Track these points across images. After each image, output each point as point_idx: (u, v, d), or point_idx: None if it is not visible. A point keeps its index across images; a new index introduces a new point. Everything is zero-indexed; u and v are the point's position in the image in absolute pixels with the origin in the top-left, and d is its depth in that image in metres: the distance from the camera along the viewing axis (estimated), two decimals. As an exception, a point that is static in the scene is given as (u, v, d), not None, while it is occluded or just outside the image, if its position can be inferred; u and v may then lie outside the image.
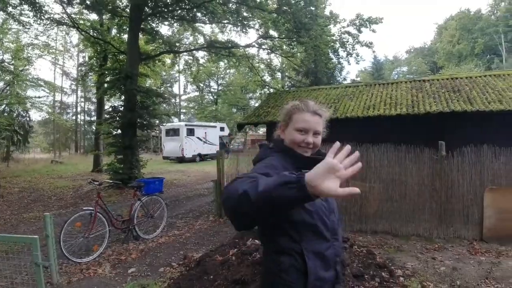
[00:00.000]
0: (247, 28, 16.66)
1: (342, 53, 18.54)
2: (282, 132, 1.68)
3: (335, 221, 1.64)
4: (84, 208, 6.12)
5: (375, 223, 7.00)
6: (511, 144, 6.46)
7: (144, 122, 14.13)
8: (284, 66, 27.13)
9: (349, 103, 9.69)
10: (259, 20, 16.39)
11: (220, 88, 47.74)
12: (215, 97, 47.61)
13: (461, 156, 6.54)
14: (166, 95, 21.16)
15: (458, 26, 51.01)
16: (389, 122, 8.59)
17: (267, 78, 23.86)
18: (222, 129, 29.97)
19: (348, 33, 16.78)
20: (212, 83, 48.32)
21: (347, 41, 16.98)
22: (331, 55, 18.90)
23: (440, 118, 8.25)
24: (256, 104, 32.97)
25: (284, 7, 13.93)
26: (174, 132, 25.50)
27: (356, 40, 16.73)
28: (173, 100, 48.92)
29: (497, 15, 48.57)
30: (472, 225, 6.51)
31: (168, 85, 48.59)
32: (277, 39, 17.55)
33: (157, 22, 16.40)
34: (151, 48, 17.76)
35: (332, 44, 17.46)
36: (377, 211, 6.99)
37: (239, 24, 16.28)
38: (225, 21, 16.66)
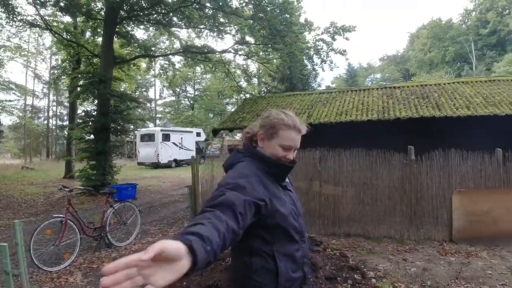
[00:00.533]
0: (223, 33, 16.74)
1: (316, 60, 18.85)
2: (261, 141, 1.67)
3: (302, 224, 1.69)
4: (54, 215, 5.96)
5: (348, 226, 7.11)
6: (478, 148, 6.70)
7: (118, 127, 13.89)
8: (260, 72, 27.28)
9: (322, 109, 9.84)
10: (235, 26, 16.47)
11: (196, 93, 47.52)
12: (191, 102, 47.33)
13: (429, 160, 6.76)
14: (141, 100, 20.86)
15: (430, 35, 52.71)
16: (361, 127, 8.78)
17: (243, 83, 23.94)
18: (198, 134, 29.76)
19: (323, 40, 17.08)
20: (189, 88, 48.09)
21: (322, 49, 17.27)
22: (306, 62, 19.20)
23: (410, 123, 8.51)
24: (233, 109, 32.99)
25: (260, 14, 14.06)
26: (149, 137, 25.13)
27: (330, 48, 17.05)
28: (148, 105, 48.22)
29: (468, 24, 50.53)
30: (441, 227, 6.72)
31: (144, 89, 47.95)
32: (253, 45, 17.68)
33: (133, 25, 16.22)
34: (126, 51, 17.50)
35: (307, 51, 17.72)
36: (350, 215, 7.13)
37: (215, 29, 16.32)
38: (202, 26, 16.65)
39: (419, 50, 54.10)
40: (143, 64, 21.44)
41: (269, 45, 15.94)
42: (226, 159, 1.73)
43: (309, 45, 17.90)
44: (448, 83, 10.67)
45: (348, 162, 7.12)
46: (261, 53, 18.70)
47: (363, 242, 6.69)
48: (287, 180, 1.75)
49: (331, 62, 17.77)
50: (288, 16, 14.88)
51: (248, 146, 1.71)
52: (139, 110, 38.78)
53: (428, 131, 8.41)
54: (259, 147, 1.67)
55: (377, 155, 6.97)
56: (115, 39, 15.21)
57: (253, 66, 25.68)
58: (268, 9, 14.08)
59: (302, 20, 17.84)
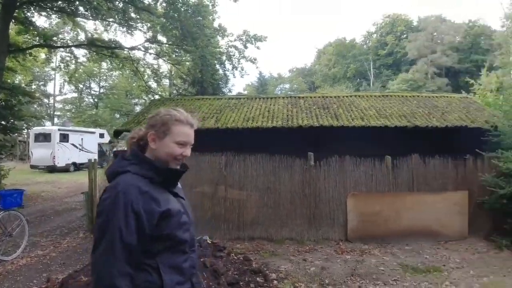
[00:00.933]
0: (133, 29, 15.98)
1: (228, 66, 19.13)
2: (153, 142, 1.55)
3: (193, 233, 1.63)
4: None
5: (252, 230, 7.28)
6: (370, 155, 7.42)
7: (7, 124, 12.34)
8: (172, 73, 26.66)
9: (230, 114, 9.90)
10: (147, 23, 15.87)
11: (102, 90, 44.52)
12: (95, 100, 44.24)
13: (327, 165, 7.30)
14: (36, 95, 18.75)
15: (335, 52, 57.18)
16: (266, 133, 9.05)
17: (153, 84, 23.12)
18: (101, 135, 27.76)
19: (235, 47, 17.40)
20: (93, 85, 44.77)
21: (234, 55, 17.60)
22: (217, 66, 19.32)
23: (311, 131, 9.00)
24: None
25: (173, 13, 13.76)
26: (44, 137, 22.68)
27: (242, 55, 17.44)
28: (45, 101, 43.75)
29: (369, 45, 56.08)
30: (338, 227, 7.27)
31: (41, 83, 43.41)
32: (164, 44, 17.22)
33: (33, 11, 14.61)
34: (22, 39, 15.67)
35: (219, 56, 17.87)
36: (254, 218, 7.32)
37: (125, 24, 15.51)
38: (110, 19, 15.70)
39: (325, 65, 58.27)
40: (42, 55, 19.43)
41: (180, 46, 15.67)
42: (109, 166, 1.60)
43: (221, 50, 18.05)
44: (346, 96, 11.54)
45: (253, 167, 7.32)
46: (174, 54, 18.32)
47: (266, 245, 6.90)
48: (179, 186, 1.69)
49: (242, 69, 18.23)
50: (201, 18, 14.82)
51: (135, 151, 1.58)
52: (35, 106, 35.14)
53: (327, 139, 9.00)
54: (151, 149, 1.57)
55: (280, 161, 7.29)
56: (12, 25, 13.55)
57: (165, 67, 25.01)
58: (182, 9, 13.85)
59: (216, 24, 17.96)
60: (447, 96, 11.97)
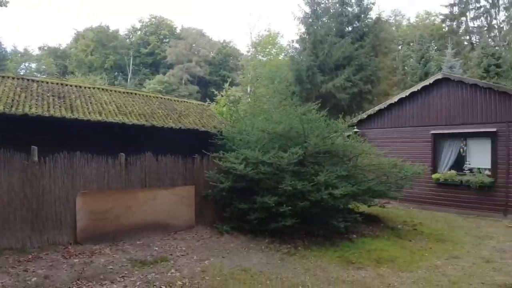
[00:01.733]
0: None
1: None
2: None
3: None
4: None
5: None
6: (108, 151, 7.26)
7: None
8: None
9: None
10: None
11: None
12: None
13: (53, 162, 6.68)
14: None
15: (95, 38, 53.49)
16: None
17: None
18: None
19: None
20: None
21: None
22: None
23: (38, 122, 8.05)
24: None
25: None
26: None
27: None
28: None
29: (132, 40, 55.63)
30: (66, 230, 6.76)
31: None
32: None
33: None
34: None
35: None
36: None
37: None
38: None
39: (82, 50, 53.68)
40: None
41: None
42: None
43: None
44: (88, 87, 10.81)
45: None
46: None
47: (-25, 259, 5.79)
48: None
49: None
50: None
51: None
52: None
53: (58, 132, 8.24)
54: None
55: (-6, 155, 6.20)
56: None
57: None
58: None
59: None
60: (187, 102, 13.22)
